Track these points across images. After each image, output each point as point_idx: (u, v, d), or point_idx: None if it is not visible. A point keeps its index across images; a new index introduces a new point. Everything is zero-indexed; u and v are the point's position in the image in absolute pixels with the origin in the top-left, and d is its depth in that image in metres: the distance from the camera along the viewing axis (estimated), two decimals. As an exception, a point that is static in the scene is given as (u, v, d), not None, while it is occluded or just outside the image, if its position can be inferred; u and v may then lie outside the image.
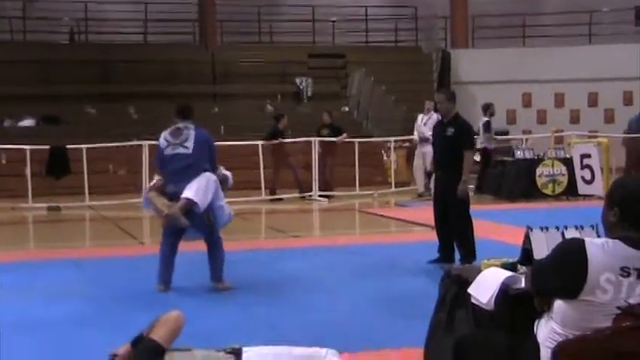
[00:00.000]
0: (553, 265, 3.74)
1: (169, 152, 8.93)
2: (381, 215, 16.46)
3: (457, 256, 10.20)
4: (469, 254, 9.99)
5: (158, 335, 4.64)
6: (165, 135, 9.07)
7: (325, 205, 18.83)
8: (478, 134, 19.63)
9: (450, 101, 10.47)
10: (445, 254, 10.27)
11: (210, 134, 9.29)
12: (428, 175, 10.98)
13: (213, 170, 8.98)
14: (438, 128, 10.63)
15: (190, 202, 8.61)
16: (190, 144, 8.90)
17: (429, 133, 16.20)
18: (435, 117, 18.37)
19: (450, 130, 10.23)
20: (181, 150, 8.88)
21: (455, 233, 10.24)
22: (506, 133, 25.52)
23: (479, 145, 19.39)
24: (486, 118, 19.31)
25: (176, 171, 8.82)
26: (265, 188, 19.25)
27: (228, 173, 9.21)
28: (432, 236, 10.61)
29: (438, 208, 10.44)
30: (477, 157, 19.48)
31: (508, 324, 4.26)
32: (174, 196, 8.76)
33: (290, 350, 4.76)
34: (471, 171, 10.53)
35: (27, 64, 25.19)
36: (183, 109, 9.15)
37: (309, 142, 19.74)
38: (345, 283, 9.32)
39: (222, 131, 22.27)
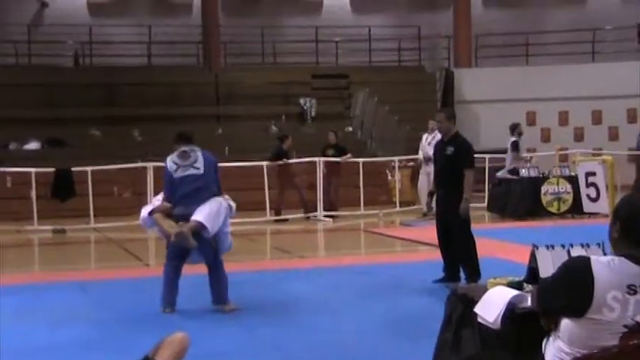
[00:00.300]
0: (559, 284, 3.71)
1: (179, 175, 8.93)
2: (386, 235, 16.44)
3: (463, 275, 10.18)
4: (474, 273, 9.96)
5: (163, 358, 4.61)
6: (172, 158, 9.07)
7: (330, 225, 18.81)
8: (505, 153, 19.56)
9: (450, 120, 10.51)
10: (450, 273, 10.25)
11: (214, 156, 9.34)
12: (430, 194, 10.99)
13: (220, 192, 8.99)
14: (439, 147, 10.64)
15: (200, 226, 8.60)
16: (200, 165, 8.94)
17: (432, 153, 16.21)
18: (439, 136, 18.30)
19: (450, 149, 10.25)
20: (192, 171, 8.90)
21: (458, 253, 10.22)
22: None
23: (508, 166, 19.27)
24: (514, 138, 19.17)
25: (187, 194, 8.82)
26: (270, 209, 19.25)
27: (232, 203, 9.20)
28: (438, 255, 10.58)
29: (440, 228, 10.45)
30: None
31: (515, 343, 4.23)
32: (182, 218, 8.75)
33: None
34: (472, 190, 10.49)
35: (32, 87, 25.31)
36: (184, 134, 9.25)
37: (314, 163, 19.75)
38: (350, 304, 9.30)
39: (226, 152, 22.27)
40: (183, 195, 8.84)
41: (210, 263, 9.01)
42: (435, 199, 10.72)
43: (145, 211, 9.15)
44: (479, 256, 10.20)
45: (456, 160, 10.16)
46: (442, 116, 10.63)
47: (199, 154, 9.03)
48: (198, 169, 8.91)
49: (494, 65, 29.03)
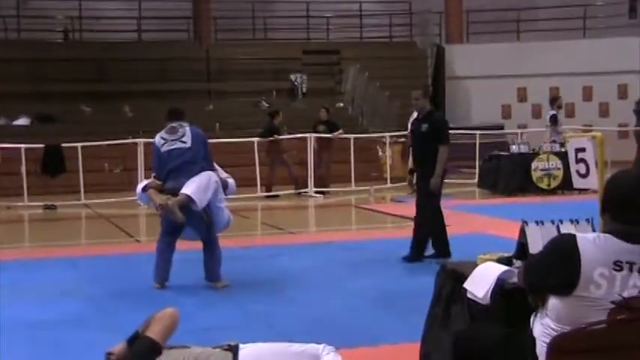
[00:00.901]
0: (545, 262, 3.73)
1: (166, 148, 8.93)
2: (377, 211, 16.46)
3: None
4: (443, 252, 10.16)
5: (153, 332, 4.64)
6: (161, 134, 9.10)
7: (321, 201, 18.83)
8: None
9: (425, 97, 10.63)
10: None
11: (203, 132, 9.32)
12: (410, 172, 11.01)
13: (211, 167, 8.98)
14: (415, 125, 10.73)
15: (188, 199, 8.58)
16: (188, 139, 8.94)
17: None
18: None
19: (424, 126, 10.37)
20: (179, 145, 8.90)
21: (419, 227, 10.39)
22: (501, 127, 25.56)
23: (548, 139, 19.06)
24: (553, 112, 19.00)
25: (175, 168, 8.81)
26: (261, 185, 19.24)
27: (230, 180, 9.18)
28: (428, 231, 10.60)
29: None
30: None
31: (504, 318, 4.26)
32: (172, 193, 8.73)
33: (287, 347, 4.76)
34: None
35: (21, 62, 25.17)
36: (175, 110, 9.30)
37: (305, 139, 19.73)
38: (341, 280, 9.33)
39: (217, 128, 22.24)
40: (171, 169, 8.84)
41: (204, 239, 9.01)
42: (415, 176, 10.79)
43: (139, 187, 9.18)
44: (471, 232, 10.26)
45: (430, 137, 10.26)
46: (418, 93, 10.72)
47: (187, 129, 9.03)
48: (185, 142, 8.91)
49: (485, 41, 28.97)
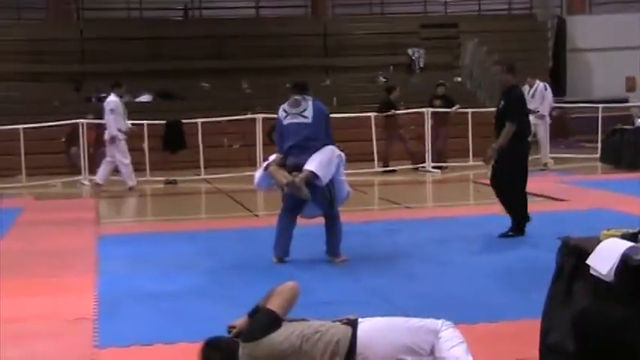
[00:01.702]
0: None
1: (288, 122, 8.97)
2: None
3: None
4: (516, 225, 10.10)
5: (274, 305, 4.69)
6: (283, 107, 9.15)
7: (438, 176, 18.70)
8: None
9: (506, 73, 10.47)
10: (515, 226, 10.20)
11: (325, 107, 9.33)
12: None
13: (332, 143, 8.97)
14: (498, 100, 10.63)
15: (313, 175, 8.61)
16: (309, 113, 8.94)
17: (533, 106, 16.66)
18: (541, 86, 18.28)
19: (502, 102, 10.27)
20: (300, 119, 8.92)
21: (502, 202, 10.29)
22: (625, 100, 24.84)
23: None
24: None
25: (296, 144, 8.82)
26: (378, 160, 19.23)
27: (342, 154, 9.19)
28: (548, 207, 10.43)
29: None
30: None
31: (629, 296, 4.15)
32: (294, 169, 8.75)
33: (405, 321, 4.75)
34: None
35: (143, 40, 25.71)
36: (300, 84, 9.29)
37: (421, 114, 19.59)
38: (459, 255, 9.25)
39: (334, 103, 22.28)
40: (292, 145, 8.85)
41: (326, 213, 9.04)
42: None
43: (259, 171, 9.27)
44: (592, 208, 10.04)
45: (503, 113, 10.12)
46: (500, 68, 10.74)
47: (310, 103, 9.02)
48: (306, 117, 8.92)
49: (608, 12, 28.16)
